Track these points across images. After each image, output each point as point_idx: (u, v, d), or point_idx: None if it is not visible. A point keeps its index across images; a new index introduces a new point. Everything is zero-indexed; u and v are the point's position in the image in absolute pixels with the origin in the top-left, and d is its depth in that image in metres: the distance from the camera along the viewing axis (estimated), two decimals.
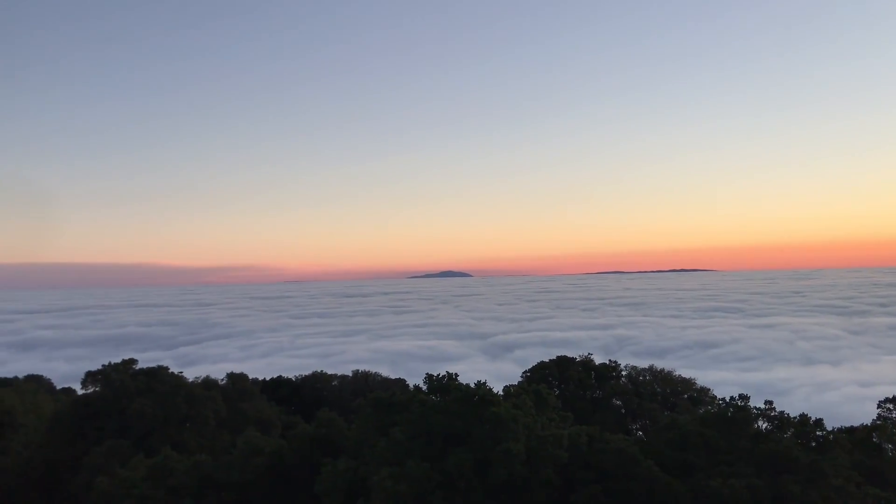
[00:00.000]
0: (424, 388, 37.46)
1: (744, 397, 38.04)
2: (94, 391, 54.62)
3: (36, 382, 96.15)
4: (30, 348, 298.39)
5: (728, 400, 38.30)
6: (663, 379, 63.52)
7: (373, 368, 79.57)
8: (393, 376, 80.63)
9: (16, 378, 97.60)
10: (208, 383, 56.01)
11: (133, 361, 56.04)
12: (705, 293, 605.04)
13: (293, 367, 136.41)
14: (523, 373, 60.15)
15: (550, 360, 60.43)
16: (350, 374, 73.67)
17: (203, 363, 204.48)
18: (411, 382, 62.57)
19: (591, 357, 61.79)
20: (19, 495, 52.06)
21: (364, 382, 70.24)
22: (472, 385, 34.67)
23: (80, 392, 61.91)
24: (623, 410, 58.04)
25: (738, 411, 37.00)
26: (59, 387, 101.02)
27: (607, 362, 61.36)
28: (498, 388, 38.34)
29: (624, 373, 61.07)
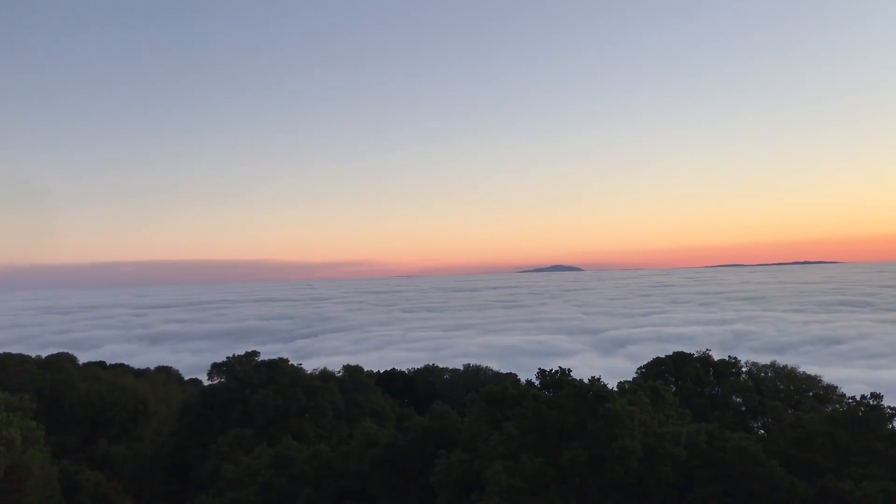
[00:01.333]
0: (537, 382, 37.25)
1: (876, 396, 36.02)
2: (220, 382, 57.19)
3: (166, 374, 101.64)
4: (158, 341, 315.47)
5: (858, 399, 36.37)
6: (786, 376, 60.78)
7: (481, 363, 79.84)
8: (503, 371, 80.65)
9: (147, 369, 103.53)
10: (326, 375, 57.66)
11: (255, 354, 58.33)
12: (830, 286, 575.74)
13: (404, 360, 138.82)
14: (638, 369, 58.92)
15: (667, 356, 58.95)
16: (461, 368, 74.27)
17: (318, 356, 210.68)
18: (522, 377, 62.38)
19: (710, 353, 59.91)
20: (153, 478, 55.14)
21: (475, 376, 70.62)
22: (586, 381, 34.27)
23: (206, 383, 65.01)
24: (743, 408, 55.94)
25: (870, 411, 35.09)
26: (185, 378, 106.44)
27: (726, 358, 59.35)
28: (611, 385, 37.77)
29: (744, 369, 58.89)
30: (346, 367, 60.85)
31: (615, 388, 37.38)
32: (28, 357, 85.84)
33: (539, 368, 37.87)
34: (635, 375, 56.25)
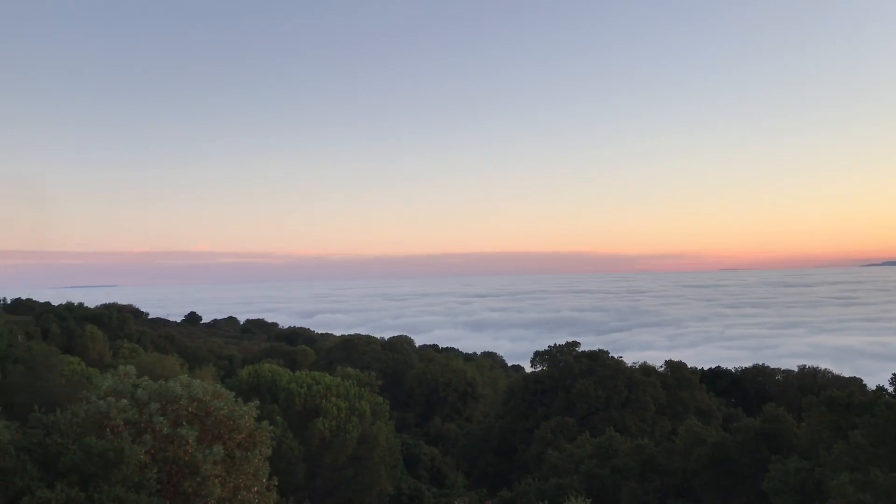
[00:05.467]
0: (890, 389, 33.60)
1: None
2: (542, 370, 59.15)
3: (491, 359, 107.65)
4: (480, 328, 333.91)
5: None
6: None
7: (812, 364, 73.55)
8: (838, 373, 73.74)
9: (475, 354, 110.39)
10: (647, 369, 57.08)
11: (576, 344, 59.46)
12: None
13: (722, 358, 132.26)
14: None
15: None
16: (795, 370, 69.16)
17: (630, 349, 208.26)
18: (867, 382, 56.71)
19: None
20: (481, 458, 58.62)
21: (812, 379, 65.26)
22: None
23: (528, 370, 67.61)
24: None
25: None
26: (508, 364, 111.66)
27: None
28: None
29: None
30: (669, 363, 59.65)
31: None
32: (374, 338, 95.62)
33: (893, 374, 34.14)
34: None
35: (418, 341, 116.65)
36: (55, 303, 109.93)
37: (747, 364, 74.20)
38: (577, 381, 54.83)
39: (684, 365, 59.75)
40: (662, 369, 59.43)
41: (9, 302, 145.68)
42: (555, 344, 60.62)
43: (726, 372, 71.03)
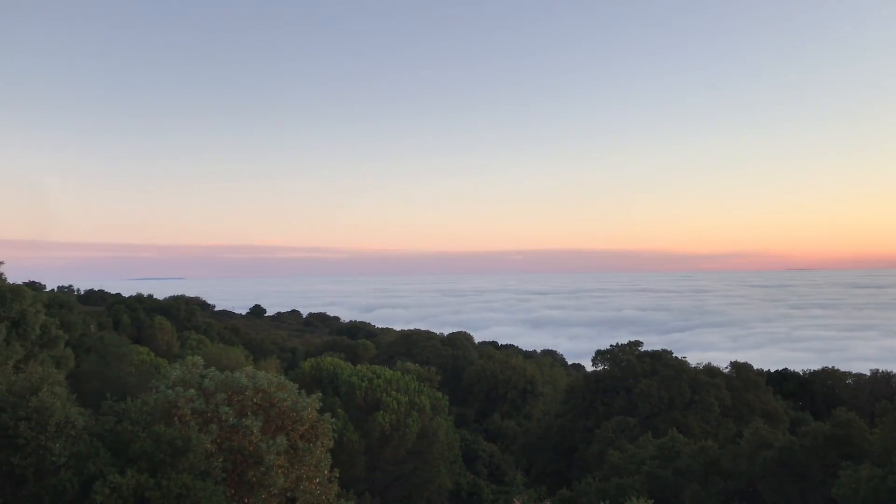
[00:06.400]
0: None
1: None
2: (603, 369, 58.52)
3: (551, 357, 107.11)
4: (540, 326, 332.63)
5: None
6: None
7: (883, 367, 71.05)
8: None
9: (534, 352, 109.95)
10: (711, 370, 56.00)
11: (638, 343, 58.66)
12: None
13: (788, 360, 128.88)
14: None
15: None
16: (867, 373, 67.03)
17: (693, 350, 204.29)
18: None
19: None
20: (541, 456, 58.35)
21: (886, 383, 63.11)
22: None
23: (589, 368, 66.97)
24: None
25: None
26: (568, 362, 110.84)
27: None
28: None
29: None
30: (734, 364, 58.41)
31: None
32: (433, 334, 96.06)
33: None
34: None
35: (477, 338, 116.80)
36: (125, 294, 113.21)
37: (815, 367, 72.28)
38: (639, 380, 54.10)
39: (750, 366, 58.44)
40: (727, 370, 58.25)
41: (82, 292, 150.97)
42: (616, 343, 59.90)
43: (794, 374, 69.29)
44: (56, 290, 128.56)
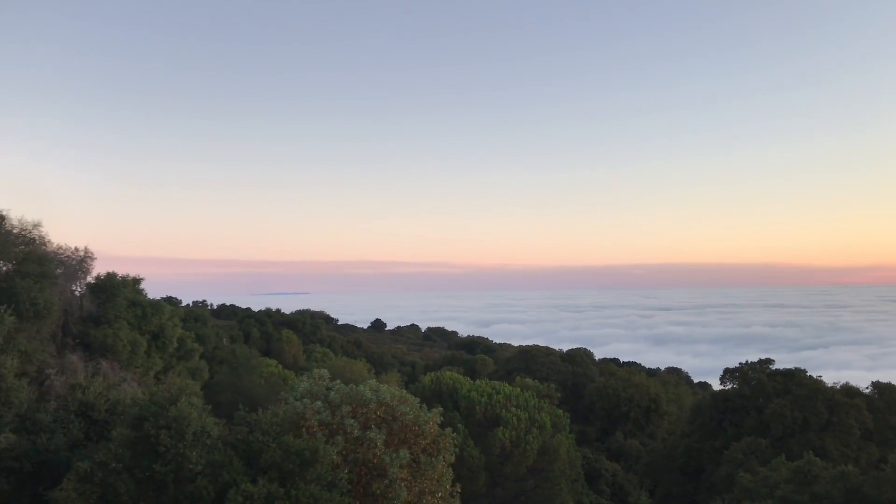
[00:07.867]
0: None
1: None
2: (732, 387, 56.21)
3: (676, 375, 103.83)
4: (662, 342, 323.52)
5: None
6: None
7: None
8: None
9: (658, 369, 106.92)
10: (850, 390, 52.77)
11: (770, 361, 56.12)
12: None
13: None
14: None
15: None
16: None
17: (826, 369, 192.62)
18: None
19: None
20: (666, 477, 56.59)
21: None
22: None
23: (716, 387, 64.51)
24: None
25: None
26: (694, 380, 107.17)
27: None
28: None
29: None
30: (876, 384, 54.83)
31: None
32: (553, 350, 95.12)
33: None
34: None
35: (596, 354, 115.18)
36: (255, 308, 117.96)
37: None
38: (770, 400, 51.61)
39: (894, 387, 54.69)
40: (868, 391, 54.74)
41: (215, 307, 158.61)
42: (746, 361, 57.43)
43: None
44: (191, 304, 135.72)
